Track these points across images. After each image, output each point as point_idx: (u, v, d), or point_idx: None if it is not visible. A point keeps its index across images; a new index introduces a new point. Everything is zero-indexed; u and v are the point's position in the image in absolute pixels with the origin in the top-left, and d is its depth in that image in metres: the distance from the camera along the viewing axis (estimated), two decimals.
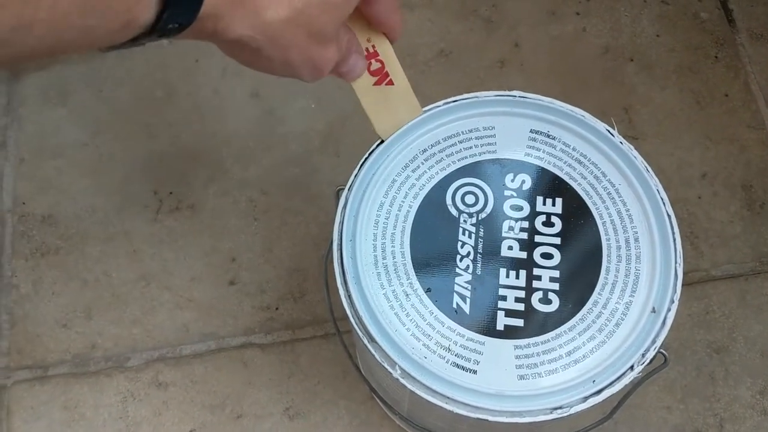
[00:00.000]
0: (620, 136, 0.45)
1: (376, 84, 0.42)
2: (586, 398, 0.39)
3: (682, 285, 0.63)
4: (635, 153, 0.45)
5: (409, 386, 0.39)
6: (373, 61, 0.41)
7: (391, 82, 0.42)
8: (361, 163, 0.44)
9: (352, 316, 0.41)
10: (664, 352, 0.41)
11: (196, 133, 0.69)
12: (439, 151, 0.45)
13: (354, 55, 0.39)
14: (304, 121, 0.69)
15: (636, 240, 0.43)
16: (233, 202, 0.66)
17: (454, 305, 0.41)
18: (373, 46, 0.41)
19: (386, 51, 0.41)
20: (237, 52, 0.34)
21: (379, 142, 0.44)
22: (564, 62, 0.72)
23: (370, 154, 0.44)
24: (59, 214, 0.66)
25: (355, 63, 0.40)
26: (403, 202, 0.44)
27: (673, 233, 0.43)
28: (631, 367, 0.40)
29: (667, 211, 0.43)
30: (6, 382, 0.60)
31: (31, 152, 0.68)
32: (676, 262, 0.42)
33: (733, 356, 0.62)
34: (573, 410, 0.39)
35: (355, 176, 0.44)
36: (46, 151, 0.68)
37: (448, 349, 0.40)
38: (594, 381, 0.39)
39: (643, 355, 0.40)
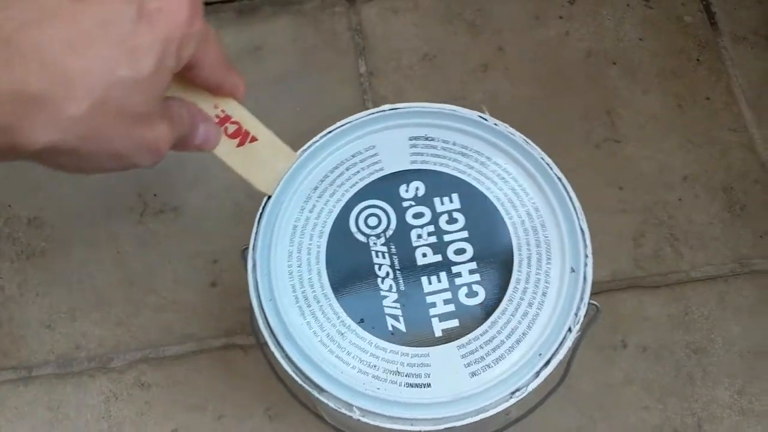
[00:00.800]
0: (493, 119, 0.46)
1: (239, 146, 0.40)
2: (537, 373, 0.40)
3: (661, 286, 0.64)
4: (511, 130, 0.46)
5: (372, 422, 0.40)
6: (228, 124, 0.40)
7: (254, 139, 0.41)
8: (257, 220, 0.43)
9: (297, 375, 0.40)
10: (594, 303, 0.43)
11: None
12: (330, 185, 0.45)
13: (202, 125, 0.38)
14: (290, 126, 0.69)
15: (537, 210, 0.44)
16: (218, 206, 0.67)
17: (390, 327, 0.41)
18: (223, 111, 0.39)
19: (237, 111, 0.40)
20: (54, 160, 0.30)
21: (266, 198, 0.44)
22: (547, 66, 0.73)
23: (263, 209, 0.44)
24: (45, 216, 0.66)
25: (207, 133, 0.38)
26: (311, 244, 0.43)
27: (568, 193, 0.44)
28: (569, 329, 0.40)
29: (555, 174, 0.44)
30: None
31: None
32: (578, 219, 0.43)
33: (712, 357, 0.63)
34: (530, 388, 0.39)
35: (256, 234, 0.43)
36: None
37: (398, 373, 0.40)
38: (540, 354, 0.40)
39: (576, 314, 0.41)
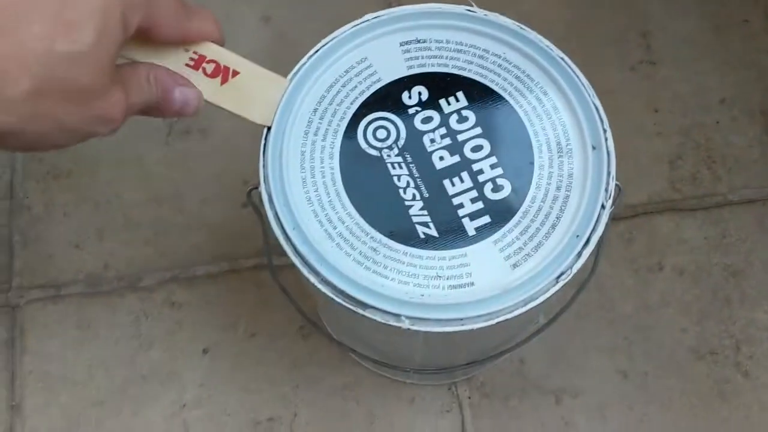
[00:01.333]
0: (482, 10, 0.45)
1: (222, 83, 0.39)
2: (579, 254, 0.39)
3: (698, 209, 0.63)
4: (503, 19, 0.44)
5: (423, 329, 0.39)
6: (204, 65, 0.38)
7: (236, 73, 0.39)
8: (262, 154, 0.42)
9: (337, 296, 0.39)
10: (617, 183, 0.42)
11: None
12: (329, 104, 0.43)
13: (177, 90, 0.36)
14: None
15: (545, 94, 0.43)
16: (243, 126, 0.65)
17: (422, 235, 0.40)
18: (195, 52, 0.37)
19: (211, 49, 0.38)
20: (2, 143, 0.30)
21: (266, 129, 0.42)
22: None
23: (265, 141, 0.42)
24: None
25: (184, 96, 0.36)
26: (323, 167, 0.42)
27: (573, 70, 0.43)
28: (602, 206, 0.40)
29: (557, 55, 0.43)
30: (19, 302, 0.60)
31: None
32: (590, 96, 0.42)
33: (750, 280, 0.62)
34: (574, 269, 0.39)
35: (264, 167, 0.41)
36: None
37: (438, 277, 0.40)
38: (578, 235, 0.39)
39: (606, 190, 0.40)
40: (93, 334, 0.59)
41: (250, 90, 0.40)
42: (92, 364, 0.59)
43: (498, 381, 0.59)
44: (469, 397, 0.59)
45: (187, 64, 0.38)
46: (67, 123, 0.30)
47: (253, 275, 0.61)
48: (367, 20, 0.45)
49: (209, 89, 0.38)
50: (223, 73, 0.39)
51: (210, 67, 0.38)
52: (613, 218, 0.62)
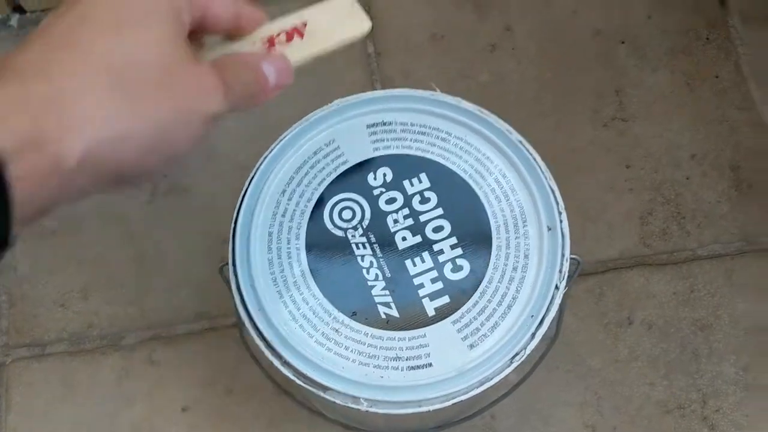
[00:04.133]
0: (444, 94, 0.47)
1: (302, 38, 0.36)
2: (533, 334, 0.41)
3: (668, 264, 0.64)
4: (465, 104, 0.46)
5: (381, 411, 0.40)
6: (276, 42, 0.36)
7: (304, 24, 0.36)
8: (231, 236, 0.43)
9: (298, 378, 0.41)
10: (575, 257, 0.44)
11: None
12: (297, 185, 0.45)
13: (263, 64, 0.33)
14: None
15: (504, 176, 0.45)
16: (227, 186, 0.67)
17: (383, 315, 0.42)
18: (262, 39, 0.36)
19: (273, 27, 0.36)
20: (103, 171, 0.28)
21: (236, 213, 0.44)
22: (555, 45, 0.73)
23: (235, 224, 0.44)
24: None
25: (273, 66, 0.33)
26: (289, 248, 0.44)
27: (532, 155, 0.45)
28: (556, 287, 0.41)
29: (516, 139, 0.45)
30: (5, 360, 0.62)
31: None
32: (546, 179, 0.44)
33: (717, 334, 0.63)
34: (528, 349, 0.40)
35: (233, 249, 0.43)
36: None
37: (398, 358, 0.41)
38: (532, 315, 0.41)
39: (561, 271, 0.42)
40: (76, 392, 0.61)
41: (327, 22, 0.37)
42: (75, 422, 0.60)
43: None
44: None
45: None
46: (162, 121, 0.28)
47: (232, 333, 0.62)
48: (336, 105, 0.47)
49: (295, 51, 0.36)
50: (296, 32, 0.37)
51: (282, 38, 0.36)
52: (582, 274, 0.64)
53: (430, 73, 0.71)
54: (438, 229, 0.44)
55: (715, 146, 0.69)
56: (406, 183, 0.45)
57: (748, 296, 0.64)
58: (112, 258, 0.65)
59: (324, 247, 0.44)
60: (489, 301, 0.42)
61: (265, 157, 0.46)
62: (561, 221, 0.43)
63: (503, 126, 0.46)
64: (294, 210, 0.45)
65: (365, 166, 0.46)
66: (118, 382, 0.61)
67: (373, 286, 0.43)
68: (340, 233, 0.44)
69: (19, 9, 0.75)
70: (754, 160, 0.68)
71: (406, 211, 0.44)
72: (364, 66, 0.72)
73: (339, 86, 0.71)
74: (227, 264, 0.44)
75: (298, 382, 0.41)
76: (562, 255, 0.42)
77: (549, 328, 0.42)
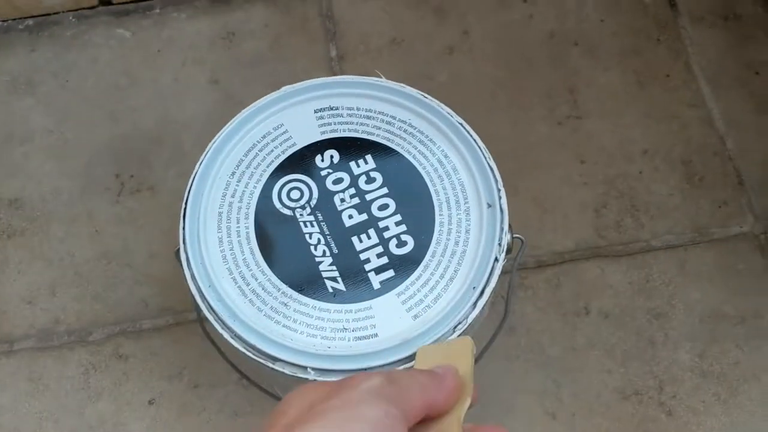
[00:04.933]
0: (389, 81, 0.49)
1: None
2: (474, 304, 0.42)
3: (623, 255, 0.66)
4: (408, 89, 0.49)
5: (326, 379, 0.41)
6: None
7: None
8: (182, 216, 0.45)
9: (248, 351, 0.42)
10: (519, 236, 0.46)
11: (157, 118, 0.72)
12: (246, 167, 0.47)
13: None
14: None
15: (446, 156, 0.47)
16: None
17: (330, 289, 0.44)
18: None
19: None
20: None
21: (186, 194, 0.45)
22: (511, 48, 0.75)
23: (185, 205, 0.45)
24: (25, 197, 0.69)
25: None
26: (239, 227, 0.45)
27: (472, 137, 0.47)
28: (496, 259, 0.43)
29: (457, 121, 0.47)
30: None
31: None
32: (485, 158, 0.46)
33: (672, 322, 0.65)
34: (470, 319, 0.42)
35: (183, 230, 0.45)
36: (14, 138, 0.71)
37: (345, 329, 0.43)
38: (474, 287, 0.43)
39: (500, 245, 0.44)
40: (44, 386, 0.62)
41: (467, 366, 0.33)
42: (42, 416, 0.61)
43: None
44: None
45: None
46: None
47: (197, 328, 0.63)
48: (284, 91, 0.49)
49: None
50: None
51: None
52: (540, 265, 0.66)
53: (391, 75, 0.73)
54: (383, 207, 0.46)
55: (666, 142, 0.71)
56: (352, 164, 0.47)
57: (701, 285, 0.66)
58: (80, 255, 0.66)
59: (273, 225, 0.46)
60: (432, 273, 0.44)
61: (215, 142, 0.47)
62: (500, 198, 0.45)
63: (445, 110, 0.48)
64: (243, 191, 0.47)
65: (313, 148, 0.48)
66: (86, 376, 0.62)
67: (320, 262, 0.44)
68: (288, 212, 0.46)
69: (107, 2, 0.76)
70: (704, 154, 0.70)
71: (352, 190, 0.46)
72: (326, 69, 0.74)
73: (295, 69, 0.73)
74: (179, 248, 0.46)
75: (249, 354, 0.42)
76: (501, 229, 0.44)
77: (495, 303, 0.43)
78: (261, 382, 0.57)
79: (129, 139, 0.71)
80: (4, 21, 0.77)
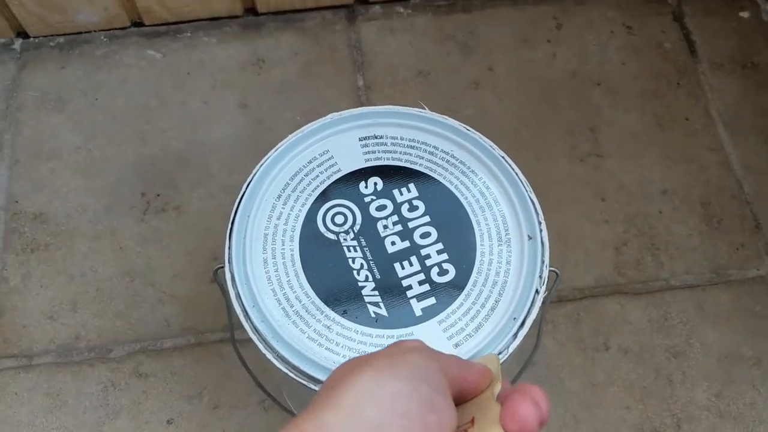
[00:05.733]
0: (432, 112, 0.50)
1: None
2: (515, 335, 0.42)
3: (642, 293, 0.67)
4: (451, 120, 0.50)
5: None
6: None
7: None
8: (228, 236, 0.45)
9: (291, 371, 0.42)
10: (554, 269, 0.46)
11: (185, 140, 0.72)
12: (293, 191, 0.48)
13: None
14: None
15: (487, 188, 0.48)
16: (218, 205, 0.69)
17: (372, 314, 0.44)
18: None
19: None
20: None
21: (233, 213, 0.45)
22: (534, 85, 0.77)
23: (232, 225, 0.46)
24: (50, 212, 0.69)
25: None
26: (284, 249, 0.46)
27: (513, 170, 0.47)
28: (536, 291, 0.44)
29: (499, 154, 0.48)
30: None
31: (27, 154, 0.71)
32: (527, 191, 0.47)
33: (690, 360, 0.65)
34: (511, 348, 0.42)
35: (229, 249, 0.45)
36: (41, 153, 0.71)
37: None
38: (514, 318, 0.43)
39: (540, 277, 0.44)
40: (62, 402, 0.61)
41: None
42: None
43: None
44: None
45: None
46: None
47: (218, 348, 0.64)
48: (331, 118, 0.50)
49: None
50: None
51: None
52: (561, 300, 0.67)
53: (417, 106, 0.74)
54: (425, 235, 0.46)
55: (685, 183, 0.72)
56: (395, 192, 0.48)
57: (718, 326, 0.67)
58: (102, 272, 0.66)
59: (317, 249, 0.46)
60: (473, 303, 0.44)
61: (262, 165, 0.48)
62: (541, 230, 0.46)
63: (487, 142, 0.49)
64: (289, 214, 0.47)
65: (357, 175, 0.48)
66: (105, 393, 0.62)
67: (363, 287, 0.45)
68: (332, 236, 0.46)
69: (23, 34, 0.78)
70: (722, 197, 0.72)
71: (395, 217, 0.47)
72: (354, 98, 0.75)
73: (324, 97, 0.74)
74: (222, 267, 0.46)
75: (291, 375, 0.42)
76: (542, 261, 0.45)
77: (529, 333, 0.44)
78: (295, 405, 0.57)
79: (156, 159, 0.71)
80: (35, 37, 0.78)
